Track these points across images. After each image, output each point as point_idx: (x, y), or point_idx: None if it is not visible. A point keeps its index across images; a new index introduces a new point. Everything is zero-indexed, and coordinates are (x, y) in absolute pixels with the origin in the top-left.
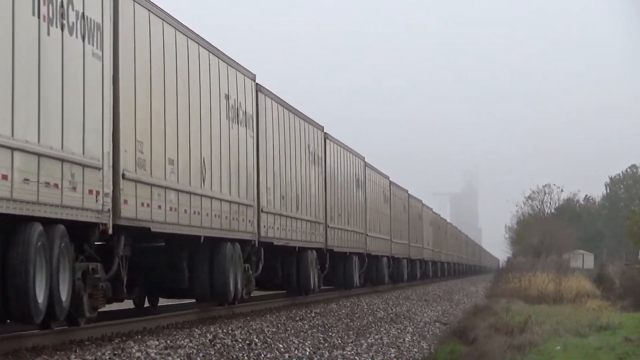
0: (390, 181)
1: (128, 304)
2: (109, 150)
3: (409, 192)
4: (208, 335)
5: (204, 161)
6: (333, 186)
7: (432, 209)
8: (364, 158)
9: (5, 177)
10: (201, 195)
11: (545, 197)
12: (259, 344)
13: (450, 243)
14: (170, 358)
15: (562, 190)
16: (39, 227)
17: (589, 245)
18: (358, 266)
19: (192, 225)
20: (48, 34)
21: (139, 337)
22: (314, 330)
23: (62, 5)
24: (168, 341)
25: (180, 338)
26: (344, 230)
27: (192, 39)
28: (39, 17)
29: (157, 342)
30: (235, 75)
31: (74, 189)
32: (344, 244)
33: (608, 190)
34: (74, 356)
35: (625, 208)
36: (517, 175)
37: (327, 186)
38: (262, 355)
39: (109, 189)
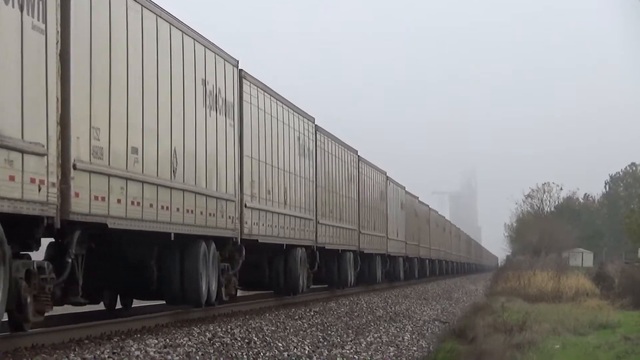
0: (405, 191)
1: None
2: (237, 189)
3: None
4: (207, 334)
5: (285, 190)
6: (364, 199)
7: (404, 187)
8: (386, 173)
9: (192, 211)
10: (284, 215)
11: (545, 196)
12: (258, 343)
13: (435, 236)
14: (169, 357)
15: (561, 189)
16: (203, 243)
17: (589, 243)
18: (381, 265)
19: (280, 236)
20: (209, 115)
21: (138, 335)
22: (313, 329)
23: (215, 96)
24: (167, 340)
25: (179, 337)
26: (372, 235)
27: (280, 102)
28: (205, 107)
29: (156, 341)
30: (304, 122)
31: (222, 216)
32: (371, 247)
33: (607, 189)
34: (73, 355)
35: (625, 206)
36: (517, 174)
37: (360, 200)
38: (261, 353)
39: (237, 215)
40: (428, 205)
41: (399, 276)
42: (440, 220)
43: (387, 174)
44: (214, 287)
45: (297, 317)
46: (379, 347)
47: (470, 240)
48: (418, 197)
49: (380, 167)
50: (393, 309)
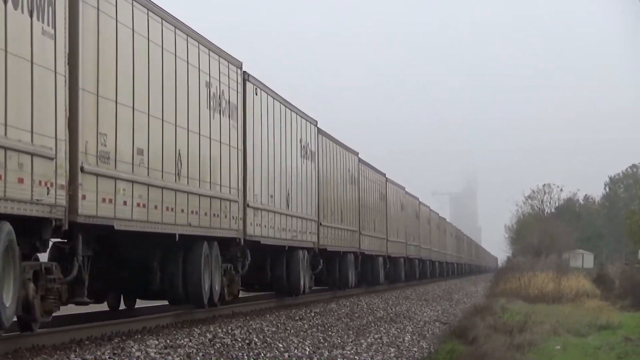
0: (406, 191)
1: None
2: (241, 190)
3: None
4: (208, 334)
5: (287, 191)
6: (364, 201)
7: (404, 188)
8: (385, 174)
9: (197, 212)
10: (287, 215)
11: (545, 197)
12: (258, 344)
13: (422, 232)
14: (169, 357)
15: (561, 190)
16: (205, 243)
17: (589, 244)
18: (382, 266)
19: (282, 238)
20: (213, 117)
21: (139, 336)
22: (314, 329)
23: (219, 98)
24: (168, 340)
25: (179, 337)
26: (372, 237)
27: (283, 104)
28: (209, 109)
29: (156, 342)
30: (307, 124)
31: (225, 216)
32: (372, 248)
33: (608, 190)
34: (73, 355)
35: (625, 207)
36: (517, 175)
37: (360, 203)
38: (262, 354)
39: (241, 216)
40: (417, 196)
41: (400, 277)
42: (426, 214)
43: (387, 176)
44: (217, 287)
45: (297, 318)
46: (379, 348)
47: (463, 236)
48: (418, 198)
49: (379, 168)
50: (393, 310)
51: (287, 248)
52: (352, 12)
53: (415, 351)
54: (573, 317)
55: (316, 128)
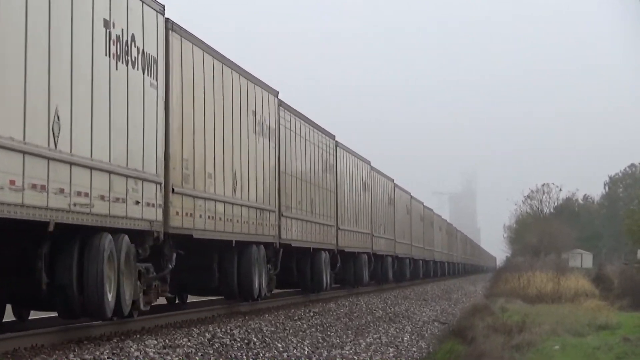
0: (373, 167)
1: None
2: (277, 202)
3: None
4: (207, 334)
5: (312, 201)
6: (288, 169)
7: (422, 202)
8: (335, 137)
9: (247, 222)
10: (311, 222)
11: (544, 197)
12: (257, 343)
13: (398, 222)
14: (168, 357)
15: (560, 190)
16: (254, 247)
17: (588, 244)
18: (327, 264)
19: (307, 240)
20: (258, 140)
21: (138, 336)
22: (313, 329)
23: (262, 124)
24: (167, 340)
25: (178, 337)
26: (304, 221)
27: (308, 123)
28: (255, 133)
29: (155, 342)
30: (327, 141)
31: (266, 225)
32: (305, 238)
33: (607, 190)
34: (72, 355)
35: (624, 207)
36: (516, 175)
37: (280, 170)
38: (261, 354)
39: (277, 223)
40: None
41: (362, 280)
42: (407, 204)
43: (337, 138)
44: (263, 284)
45: (296, 317)
46: (378, 348)
47: (455, 231)
48: (394, 180)
49: (382, 170)
50: (392, 309)
51: (312, 250)
52: (352, 13)
53: (414, 351)
54: (572, 317)
55: (334, 142)
